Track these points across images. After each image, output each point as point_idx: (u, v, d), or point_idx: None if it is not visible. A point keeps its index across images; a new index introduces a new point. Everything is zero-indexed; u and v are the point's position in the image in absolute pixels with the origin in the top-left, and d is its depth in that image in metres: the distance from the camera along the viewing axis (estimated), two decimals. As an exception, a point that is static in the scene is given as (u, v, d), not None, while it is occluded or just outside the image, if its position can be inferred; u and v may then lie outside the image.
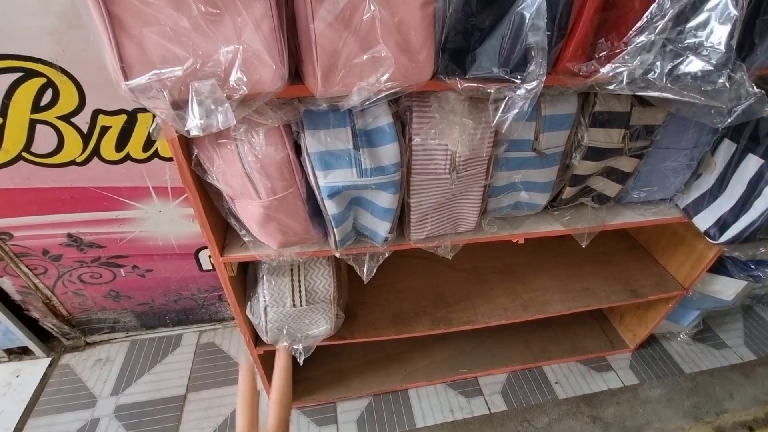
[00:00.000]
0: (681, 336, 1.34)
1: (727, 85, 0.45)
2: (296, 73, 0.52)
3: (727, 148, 0.78)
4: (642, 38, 0.47)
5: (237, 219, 0.67)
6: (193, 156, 0.58)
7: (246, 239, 0.68)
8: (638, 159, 0.77)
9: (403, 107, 0.60)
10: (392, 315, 1.04)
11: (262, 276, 0.80)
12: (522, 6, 0.43)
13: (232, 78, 0.42)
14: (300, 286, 0.82)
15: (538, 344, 1.32)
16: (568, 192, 0.80)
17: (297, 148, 0.59)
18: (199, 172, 0.60)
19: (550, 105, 0.66)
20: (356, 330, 0.99)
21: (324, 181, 0.60)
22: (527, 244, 0.84)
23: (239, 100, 0.43)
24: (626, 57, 0.48)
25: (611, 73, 0.49)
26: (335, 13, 0.42)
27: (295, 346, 0.84)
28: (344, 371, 1.23)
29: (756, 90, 0.51)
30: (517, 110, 0.48)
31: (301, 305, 0.82)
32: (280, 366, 0.39)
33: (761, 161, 0.72)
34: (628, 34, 0.47)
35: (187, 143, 0.57)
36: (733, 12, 0.43)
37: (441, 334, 1.02)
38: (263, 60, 0.43)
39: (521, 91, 0.47)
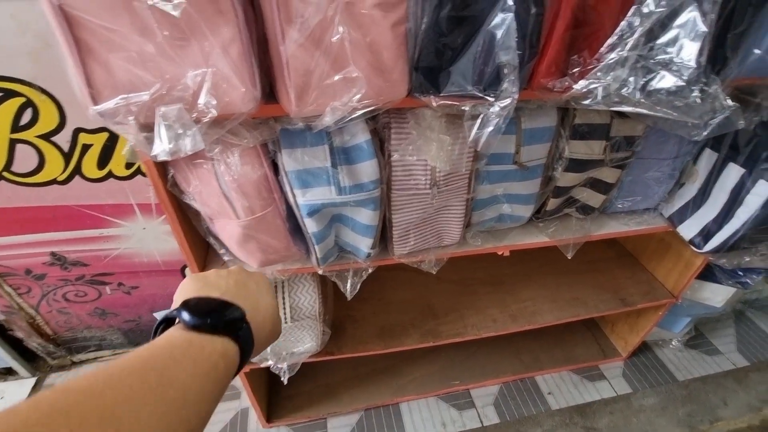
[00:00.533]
0: (673, 343, 1.33)
1: (699, 101, 0.45)
2: (271, 93, 0.52)
3: (708, 158, 0.78)
4: (614, 55, 0.47)
5: (216, 238, 0.66)
6: (169, 176, 0.57)
7: (226, 258, 0.68)
8: (620, 170, 0.78)
9: (381, 124, 0.60)
10: (380, 328, 1.03)
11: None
12: (492, 25, 0.43)
13: (201, 101, 0.42)
14: (285, 304, 0.81)
15: (529, 354, 1.31)
16: (552, 203, 0.80)
17: (275, 167, 0.59)
18: (176, 193, 0.59)
19: (529, 118, 0.67)
20: (344, 345, 0.97)
21: (303, 199, 0.60)
22: (515, 254, 0.84)
23: (209, 123, 0.43)
24: (599, 73, 0.48)
25: (585, 89, 0.49)
26: (305, 34, 0.42)
27: (280, 365, 0.83)
28: (334, 386, 1.21)
29: (730, 103, 0.51)
30: (492, 127, 0.48)
31: (286, 322, 0.81)
32: None
33: (742, 170, 0.72)
34: (600, 51, 0.47)
35: (163, 164, 0.57)
36: (702, 28, 0.43)
37: (430, 348, 1.01)
38: (233, 83, 0.43)
39: (495, 109, 0.47)
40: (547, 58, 0.49)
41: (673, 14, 0.44)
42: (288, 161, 0.57)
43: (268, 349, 0.82)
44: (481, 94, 0.47)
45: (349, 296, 0.74)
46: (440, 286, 1.15)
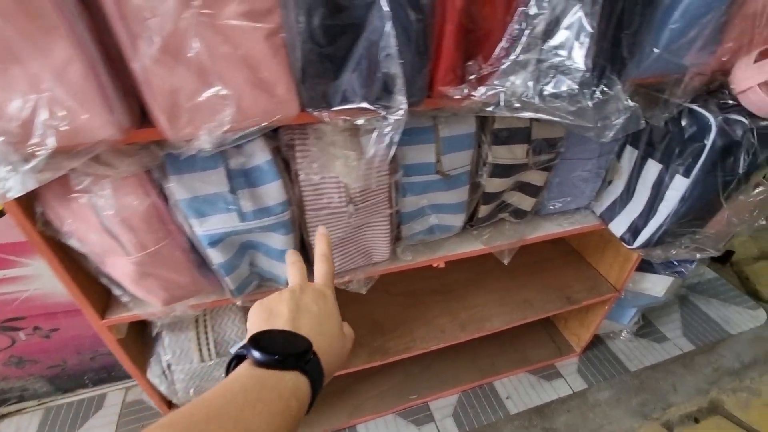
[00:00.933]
0: (623, 334, 1.36)
1: (590, 104, 0.44)
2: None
3: (629, 155, 0.79)
4: (509, 59, 0.45)
5: (110, 278, 0.59)
6: (38, 214, 0.50)
7: (125, 300, 0.61)
8: (547, 172, 0.77)
9: (284, 142, 0.55)
10: (326, 351, 0.97)
11: (160, 332, 0.71)
12: (370, 34, 0.40)
13: (36, 134, 0.36)
14: (207, 338, 0.74)
15: (486, 359, 1.29)
16: (484, 210, 0.78)
17: (165, 195, 0.53)
18: (50, 232, 0.52)
19: (447, 126, 0.64)
20: (286, 373, 0.91)
21: (201, 229, 0.54)
22: (464, 260, 0.82)
23: (48, 157, 0.37)
24: (496, 80, 0.46)
25: (484, 97, 0.47)
26: (158, 48, 0.37)
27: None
28: (287, 414, 1.14)
29: (631, 104, 0.50)
30: (387, 141, 0.45)
31: (211, 359, 0.75)
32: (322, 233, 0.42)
33: (660, 166, 0.73)
34: (494, 55, 0.45)
35: (28, 199, 0.49)
36: (588, 29, 0.41)
37: (387, 362, 0.97)
38: (76, 109, 0.37)
39: (390, 121, 0.44)
40: (442, 65, 0.46)
41: (561, 16, 0.42)
42: (178, 189, 0.51)
43: (191, 391, 0.75)
44: (371, 107, 0.43)
45: (272, 326, 0.68)
46: (388, 300, 1.11)
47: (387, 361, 0.96)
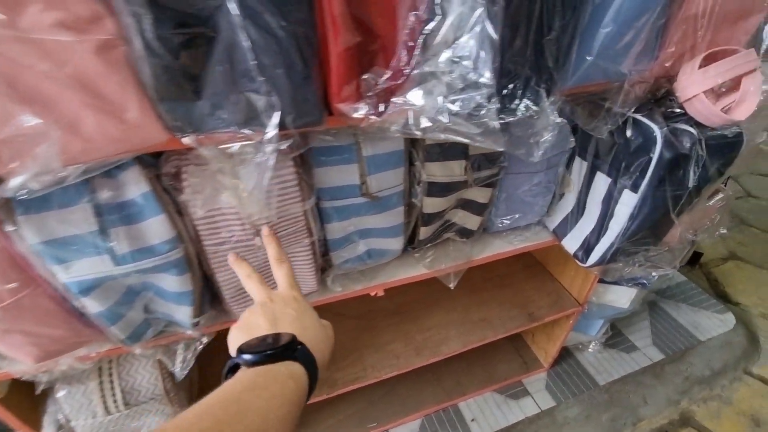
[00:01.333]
0: (592, 345, 1.31)
1: (497, 125, 0.37)
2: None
3: (579, 167, 0.73)
4: (409, 72, 0.38)
5: (-33, 335, 0.50)
6: None
7: (-10, 358, 0.52)
8: (490, 188, 0.71)
9: (167, 168, 0.48)
10: (268, 386, 0.89)
11: (55, 386, 0.62)
12: (226, 46, 0.32)
13: None
14: (113, 388, 0.65)
15: (450, 379, 1.23)
16: (425, 231, 0.71)
17: (21, 238, 0.44)
18: None
19: (370, 144, 0.57)
20: (220, 415, 0.83)
21: (66, 276, 0.46)
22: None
23: None
24: (399, 96, 0.39)
25: (386, 116, 0.40)
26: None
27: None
28: (235, 452, 1.06)
29: (558, 120, 0.44)
30: (268, 172, 0.38)
31: (118, 411, 0.66)
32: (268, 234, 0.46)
33: (609, 180, 0.67)
34: (391, 67, 0.38)
35: None
36: (493, 35, 0.35)
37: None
38: None
39: (269, 147, 0.37)
40: (335, 81, 0.39)
41: (463, 21, 0.35)
42: (29, 231, 0.42)
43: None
44: (241, 132, 0.36)
45: (178, 373, 0.60)
46: (341, 324, 1.04)
47: (334, 394, 0.88)
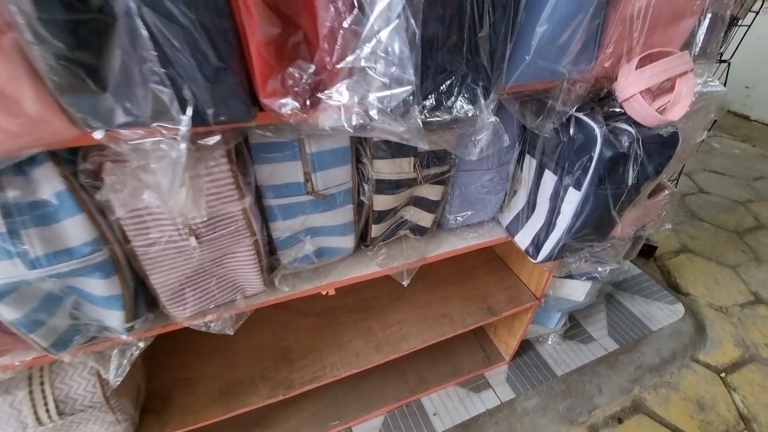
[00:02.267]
0: (551, 337, 1.35)
1: (420, 124, 0.37)
2: None
3: (529, 165, 0.74)
4: (333, 67, 0.37)
5: None
6: None
7: None
8: (442, 185, 0.70)
9: (85, 167, 0.44)
10: (222, 388, 0.87)
11: (-24, 398, 0.58)
12: (127, 36, 0.30)
13: None
14: (45, 397, 0.61)
15: (414, 374, 1.23)
16: (377, 229, 0.71)
17: None
18: None
19: (314, 141, 0.55)
20: (169, 421, 0.80)
21: (-28, 281, 0.42)
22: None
23: None
24: (322, 93, 0.38)
25: (316, 115, 0.39)
26: None
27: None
28: (192, 455, 1.03)
29: (492, 119, 0.44)
30: (180, 168, 0.36)
31: (52, 421, 0.62)
32: None
33: (555, 177, 0.68)
34: (315, 61, 0.37)
35: None
36: (415, 29, 0.34)
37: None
38: None
39: (180, 145, 0.35)
40: (258, 74, 0.37)
41: (384, 14, 0.34)
42: (-76, 234, 0.39)
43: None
44: (151, 126, 0.34)
45: (112, 380, 0.57)
46: (301, 322, 1.02)
47: (290, 394, 0.87)
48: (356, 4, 0.33)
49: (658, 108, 0.59)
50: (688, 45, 0.61)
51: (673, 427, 1.20)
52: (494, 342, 1.34)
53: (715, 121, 1.38)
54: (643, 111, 0.58)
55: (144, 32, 0.29)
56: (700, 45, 0.60)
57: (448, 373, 1.25)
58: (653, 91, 0.60)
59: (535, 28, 0.48)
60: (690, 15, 0.56)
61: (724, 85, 1.28)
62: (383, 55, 0.35)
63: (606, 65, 0.57)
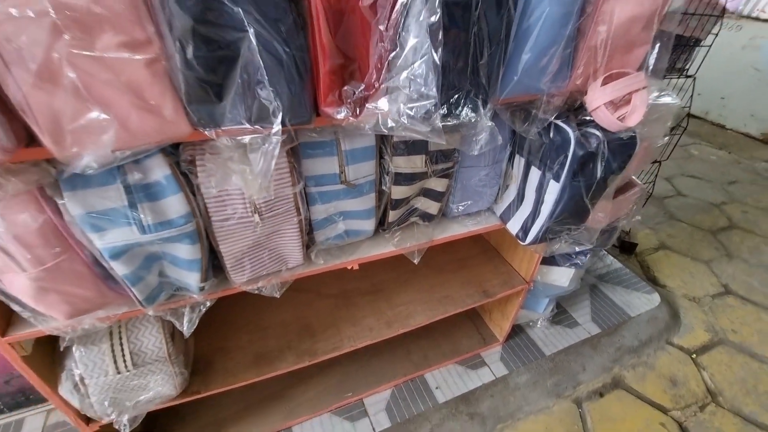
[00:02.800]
0: (540, 322, 1.49)
1: (439, 126, 0.52)
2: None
3: (518, 163, 0.90)
4: (378, 86, 0.52)
5: (8, 295, 0.59)
6: None
7: (25, 315, 0.61)
8: (447, 179, 0.85)
9: (184, 157, 0.59)
10: (255, 356, 1.00)
11: (69, 346, 0.71)
12: (245, 65, 0.45)
13: None
14: (123, 349, 0.75)
15: (419, 353, 1.37)
16: (393, 215, 0.85)
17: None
18: (-64, 252, 0.51)
19: (349, 140, 0.70)
20: (212, 381, 0.93)
21: (101, 242, 0.56)
22: (394, 260, 0.89)
23: None
24: (371, 103, 0.53)
25: (361, 118, 0.54)
26: (32, 74, 0.40)
27: (121, 418, 0.76)
28: (221, 422, 1.15)
29: (489, 123, 0.59)
30: (274, 159, 0.50)
31: (127, 370, 0.75)
32: None
33: (539, 172, 0.84)
34: (365, 82, 0.52)
35: None
36: (437, 62, 0.49)
37: (325, 362, 1.01)
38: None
39: (273, 140, 0.49)
40: (323, 91, 0.52)
41: (416, 52, 0.49)
42: (72, 205, 0.53)
43: (106, 403, 0.75)
44: (254, 127, 0.48)
45: (186, 333, 0.71)
46: (320, 302, 1.16)
47: (315, 361, 1.00)
48: (397, 45, 0.48)
49: (619, 116, 0.74)
50: (642, 66, 0.77)
51: (648, 400, 1.34)
52: (489, 326, 1.49)
53: (685, 128, 1.55)
54: (607, 119, 0.73)
55: (260, 62, 0.44)
56: (651, 67, 0.76)
57: (449, 353, 1.39)
58: (615, 103, 0.75)
59: (522, 55, 0.63)
60: (640, 45, 0.72)
61: (691, 97, 1.45)
62: (415, 78, 0.50)
63: (577, 83, 0.72)
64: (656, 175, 1.72)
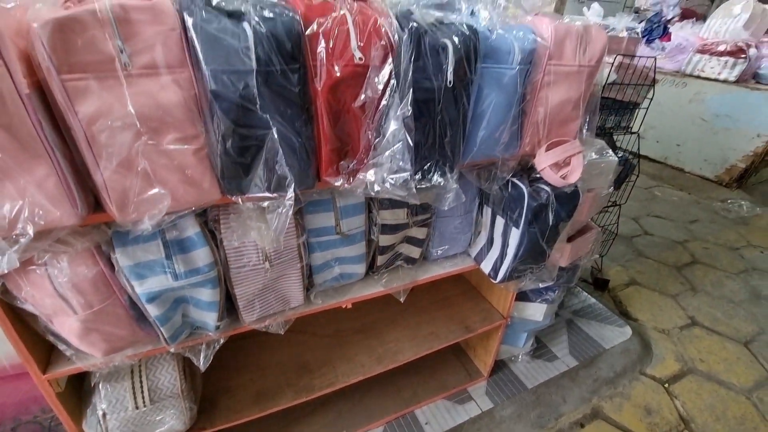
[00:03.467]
0: (521, 357, 1.59)
1: (414, 190, 0.68)
2: (99, 202, 0.61)
3: (486, 212, 1.06)
4: (367, 161, 0.68)
5: (56, 336, 0.69)
6: (-2, 285, 0.62)
7: (68, 353, 0.71)
8: (426, 227, 1.01)
9: (211, 217, 0.73)
10: (256, 394, 1.08)
11: (97, 383, 0.80)
12: (267, 151, 0.60)
13: (19, 226, 0.50)
14: (142, 386, 0.84)
15: (408, 390, 1.45)
16: (381, 259, 0.99)
17: (112, 263, 0.67)
18: (7, 299, 0.63)
19: (343, 198, 0.86)
20: (217, 417, 1.00)
21: (141, 289, 0.68)
22: (382, 300, 1.00)
23: (26, 243, 0.51)
24: (360, 175, 0.68)
25: (354, 184, 0.69)
26: (115, 163, 0.54)
27: (137, 451, 0.83)
28: (220, 464, 1.19)
29: (454, 185, 0.75)
30: (287, 219, 0.64)
31: (144, 406, 0.84)
32: None
33: (503, 220, 1.00)
34: (356, 158, 0.68)
35: (-10, 274, 0.61)
36: (410, 143, 0.66)
37: (320, 400, 1.09)
38: (49, 208, 0.52)
39: (287, 204, 0.64)
40: (323, 165, 0.68)
41: (394, 136, 0.66)
42: (122, 258, 0.65)
43: (124, 437, 0.82)
44: (271, 195, 0.63)
45: (202, 368, 0.80)
46: (316, 341, 1.26)
47: (312, 396, 1.09)
48: (380, 132, 0.65)
49: (562, 175, 0.92)
50: (578, 135, 0.96)
51: (626, 430, 1.43)
52: (474, 362, 1.58)
53: (638, 175, 1.75)
54: (552, 178, 0.91)
55: (279, 149, 0.59)
56: (585, 133, 0.95)
57: (437, 389, 1.47)
58: (558, 164, 0.93)
59: (479, 132, 0.81)
60: (573, 120, 0.91)
61: (638, 149, 1.67)
62: (393, 155, 0.66)
63: (527, 149, 0.90)
64: (618, 216, 1.92)
